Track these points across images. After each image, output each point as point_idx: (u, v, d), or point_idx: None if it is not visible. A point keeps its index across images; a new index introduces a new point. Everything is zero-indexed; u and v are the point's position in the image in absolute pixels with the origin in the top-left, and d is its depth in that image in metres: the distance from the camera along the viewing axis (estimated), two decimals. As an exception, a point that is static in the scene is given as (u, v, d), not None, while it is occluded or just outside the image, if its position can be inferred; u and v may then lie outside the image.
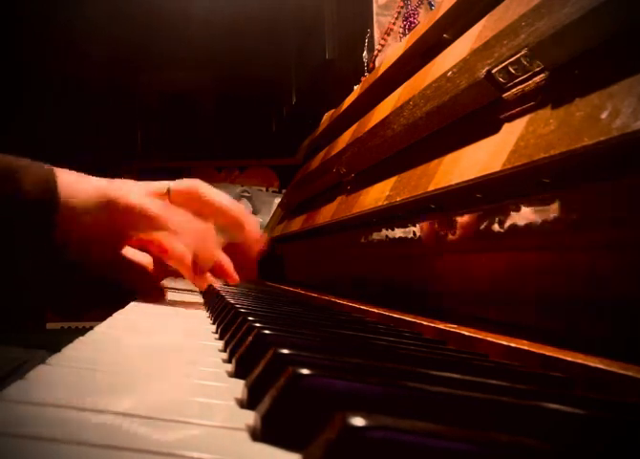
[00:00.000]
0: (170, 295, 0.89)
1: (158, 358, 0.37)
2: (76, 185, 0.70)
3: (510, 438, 0.18)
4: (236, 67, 3.36)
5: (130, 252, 0.79)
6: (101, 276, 0.80)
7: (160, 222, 0.72)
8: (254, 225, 0.83)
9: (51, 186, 0.68)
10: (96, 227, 0.71)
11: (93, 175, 0.75)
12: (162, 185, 0.79)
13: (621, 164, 0.35)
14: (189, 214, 0.76)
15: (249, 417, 0.24)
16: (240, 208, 0.82)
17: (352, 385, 0.23)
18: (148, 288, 0.80)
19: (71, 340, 0.37)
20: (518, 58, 0.43)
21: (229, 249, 0.82)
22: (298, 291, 1.09)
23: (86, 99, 3.18)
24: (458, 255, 0.62)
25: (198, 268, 0.75)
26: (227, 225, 0.79)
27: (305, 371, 0.23)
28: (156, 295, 0.81)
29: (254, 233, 0.82)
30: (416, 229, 0.69)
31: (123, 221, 0.72)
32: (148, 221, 0.72)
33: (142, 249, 0.79)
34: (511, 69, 0.45)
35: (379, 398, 0.23)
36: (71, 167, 0.75)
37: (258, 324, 0.39)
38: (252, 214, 2.98)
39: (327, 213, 0.95)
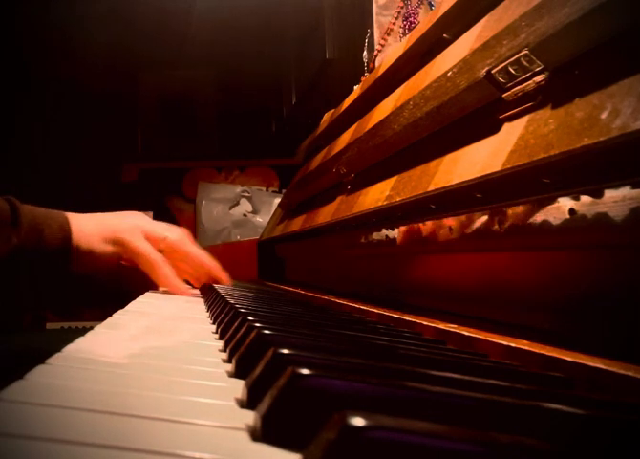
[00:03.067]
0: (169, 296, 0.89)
1: (158, 358, 0.37)
2: (89, 231, 0.86)
3: (510, 438, 0.18)
4: (236, 67, 3.36)
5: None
6: (102, 284, 0.97)
7: (155, 266, 0.89)
8: (225, 279, 1.04)
9: (67, 235, 0.83)
10: (104, 262, 0.88)
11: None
12: (158, 228, 0.95)
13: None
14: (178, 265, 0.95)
15: (249, 417, 0.24)
16: (214, 264, 1.03)
17: (351, 385, 0.23)
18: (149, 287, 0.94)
19: (71, 340, 0.37)
20: (518, 58, 0.43)
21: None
22: (298, 291, 1.09)
23: (86, 100, 3.18)
24: (458, 255, 0.62)
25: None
26: (201, 275, 1.01)
27: (305, 371, 0.23)
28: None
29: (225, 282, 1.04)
30: (415, 229, 0.69)
31: (128, 256, 0.89)
32: (147, 263, 0.89)
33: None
34: (511, 69, 0.45)
35: (379, 398, 0.23)
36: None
37: (258, 324, 0.39)
38: (253, 213, 2.98)
39: (327, 213, 0.95)
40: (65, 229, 0.82)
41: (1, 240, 0.76)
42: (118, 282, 0.96)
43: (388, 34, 1.48)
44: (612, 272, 0.39)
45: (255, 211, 3.02)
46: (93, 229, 0.86)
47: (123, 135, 3.34)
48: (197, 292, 1.00)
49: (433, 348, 0.43)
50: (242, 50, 3.24)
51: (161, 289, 0.96)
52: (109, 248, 0.87)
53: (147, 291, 0.95)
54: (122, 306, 0.64)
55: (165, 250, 0.92)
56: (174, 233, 0.96)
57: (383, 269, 0.86)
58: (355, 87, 1.28)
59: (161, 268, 0.89)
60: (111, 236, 0.87)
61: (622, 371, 0.30)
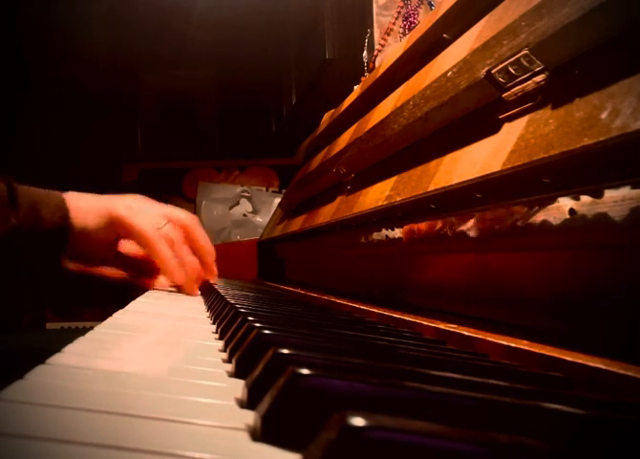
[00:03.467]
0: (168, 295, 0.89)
1: (158, 358, 0.37)
2: (86, 209, 0.85)
3: (510, 438, 0.18)
4: (236, 67, 3.36)
5: (126, 247, 0.93)
6: (100, 278, 0.95)
7: (153, 245, 0.87)
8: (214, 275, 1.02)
9: (64, 214, 0.81)
10: (100, 241, 0.86)
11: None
12: (163, 210, 0.92)
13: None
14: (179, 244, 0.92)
15: (249, 417, 0.24)
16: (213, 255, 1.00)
17: (351, 385, 0.23)
18: (146, 276, 0.93)
19: (71, 340, 0.37)
20: (518, 58, 0.43)
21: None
22: (298, 291, 1.09)
23: (86, 100, 3.18)
24: (458, 255, 0.62)
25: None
26: (203, 262, 0.97)
27: (305, 371, 0.23)
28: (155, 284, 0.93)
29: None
30: (415, 229, 0.69)
31: (123, 234, 0.88)
32: (143, 238, 0.87)
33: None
34: (511, 69, 0.45)
35: (379, 398, 0.23)
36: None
37: (258, 324, 0.39)
38: (253, 213, 2.98)
39: (327, 213, 0.95)
40: (62, 209, 0.81)
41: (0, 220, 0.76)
42: (116, 268, 0.93)
43: (388, 34, 1.48)
44: (612, 272, 0.39)
45: (255, 211, 3.02)
46: (88, 206, 0.85)
47: (123, 135, 3.34)
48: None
49: (433, 348, 0.43)
50: (242, 50, 3.25)
51: (158, 286, 0.95)
52: (103, 224, 0.85)
53: (145, 278, 0.95)
54: (122, 306, 0.64)
55: (165, 228, 0.90)
56: (178, 213, 0.93)
57: (383, 269, 0.86)
58: (355, 87, 1.28)
59: (158, 243, 0.87)
60: (105, 213, 0.85)
61: (622, 371, 0.30)
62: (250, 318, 0.43)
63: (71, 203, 0.83)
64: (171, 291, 0.94)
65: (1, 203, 0.76)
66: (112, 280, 0.97)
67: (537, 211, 0.45)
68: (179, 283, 0.90)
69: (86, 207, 0.85)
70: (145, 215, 0.89)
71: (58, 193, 0.84)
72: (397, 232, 0.74)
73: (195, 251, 0.95)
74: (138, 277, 0.96)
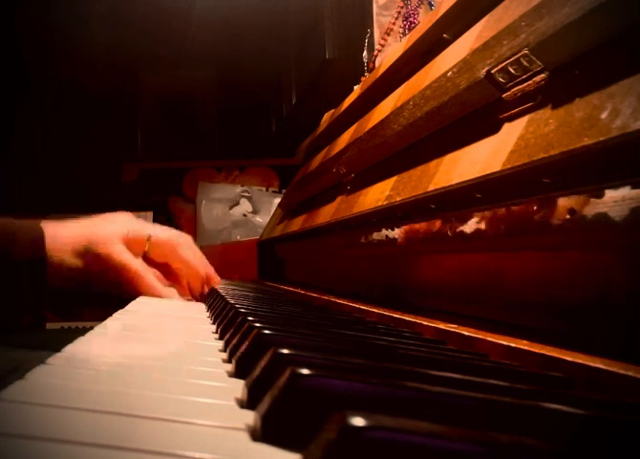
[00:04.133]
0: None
1: (158, 357, 0.37)
2: (62, 239, 0.82)
3: (510, 438, 0.18)
4: (236, 67, 3.36)
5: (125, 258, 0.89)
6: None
7: (139, 280, 0.85)
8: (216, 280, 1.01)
9: (39, 246, 0.79)
10: (79, 270, 0.83)
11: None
12: (145, 230, 0.89)
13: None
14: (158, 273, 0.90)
15: (249, 417, 0.24)
16: (209, 269, 0.98)
17: (351, 385, 0.23)
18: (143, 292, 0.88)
19: (71, 340, 0.37)
20: (518, 58, 0.43)
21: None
22: (298, 291, 1.09)
23: (86, 100, 3.18)
24: (458, 255, 0.62)
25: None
26: (192, 282, 0.95)
27: (305, 371, 0.23)
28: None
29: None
30: (415, 229, 0.69)
31: (103, 269, 0.84)
32: (128, 275, 0.84)
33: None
34: (511, 69, 0.45)
35: (379, 398, 0.23)
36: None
37: (258, 324, 0.39)
38: (253, 213, 2.98)
39: (327, 213, 0.95)
40: (37, 243, 0.79)
41: None
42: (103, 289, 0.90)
43: (388, 34, 1.48)
44: (612, 272, 0.39)
45: (255, 211, 3.02)
46: (67, 240, 0.82)
47: (123, 135, 3.34)
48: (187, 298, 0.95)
49: (433, 348, 0.43)
50: (242, 50, 3.24)
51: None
52: (80, 262, 0.82)
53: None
54: (122, 306, 0.64)
55: (150, 250, 0.88)
56: (162, 233, 0.91)
57: (383, 269, 0.86)
58: (355, 87, 1.28)
59: (143, 278, 0.85)
60: (82, 250, 0.82)
61: (622, 371, 0.30)
62: (250, 318, 0.43)
63: (48, 236, 0.80)
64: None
65: None
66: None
67: (537, 211, 0.45)
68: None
69: (63, 240, 0.82)
70: (132, 232, 0.86)
71: (37, 225, 0.81)
72: (397, 232, 0.74)
73: (179, 270, 0.93)
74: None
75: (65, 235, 0.83)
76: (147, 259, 0.89)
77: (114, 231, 0.86)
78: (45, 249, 0.79)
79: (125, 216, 0.91)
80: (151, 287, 0.85)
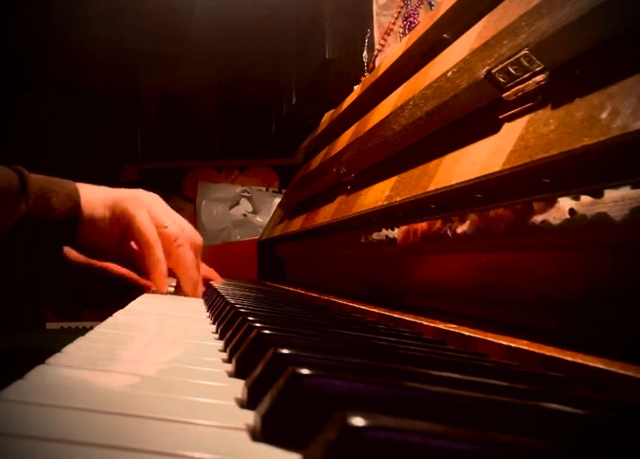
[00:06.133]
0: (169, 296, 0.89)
1: (158, 357, 0.37)
2: (95, 199, 0.84)
3: (510, 438, 0.18)
4: (236, 67, 3.36)
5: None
6: (101, 274, 0.94)
7: (148, 244, 0.84)
8: None
9: (75, 204, 0.82)
10: (105, 232, 0.85)
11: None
12: (165, 217, 0.90)
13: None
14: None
15: (249, 417, 0.24)
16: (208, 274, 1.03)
17: (352, 385, 0.23)
18: (151, 272, 0.88)
19: (71, 340, 0.37)
20: (518, 58, 0.43)
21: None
22: (298, 291, 1.09)
23: (86, 101, 3.18)
24: (458, 255, 0.62)
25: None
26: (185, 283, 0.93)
27: (305, 371, 0.23)
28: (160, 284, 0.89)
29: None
30: (415, 229, 0.69)
31: (123, 230, 0.85)
32: (141, 237, 0.85)
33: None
34: (511, 69, 0.45)
35: (379, 398, 0.23)
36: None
37: (258, 324, 0.39)
38: (253, 213, 2.98)
39: (327, 213, 0.95)
40: (73, 198, 0.82)
41: (10, 209, 0.75)
42: (122, 264, 0.92)
43: (388, 34, 1.48)
44: (612, 271, 0.39)
45: (255, 211, 3.02)
46: (97, 197, 0.85)
47: (123, 135, 3.34)
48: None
49: (433, 348, 0.43)
50: (242, 50, 3.25)
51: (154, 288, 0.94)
52: (109, 214, 0.84)
53: (137, 276, 0.95)
54: (122, 306, 0.64)
55: (161, 238, 0.87)
56: (177, 227, 0.89)
57: (383, 269, 0.86)
58: (355, 87, 1.28)
59: (155, 248, 0.83)
60: (112, 204, 0.84)
61: (622, 371, 0.30)
62: (250, 318, 0.43)
63: (82, 192, 0.83)
64: (171, 291, 0.94)
65: (12, 191, 0.76)
66: (114, 276, 0.96)
67: (537, 211, 0.45)
68: (161, 291, 0.87)
69: (95, 198, 0.84)
70: (154, 212, 0.87)
71: (71, 182, 0.84)
72: (397, 232, 0.74)
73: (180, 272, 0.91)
74: (142, 275, 0.95)
75: (96, 190, 0.86)
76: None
77: (142, 199, 0.88)
78: (80, 204, 0.82)
79: (152, 195, 0.91)
80: (160, 262, 0.84)
